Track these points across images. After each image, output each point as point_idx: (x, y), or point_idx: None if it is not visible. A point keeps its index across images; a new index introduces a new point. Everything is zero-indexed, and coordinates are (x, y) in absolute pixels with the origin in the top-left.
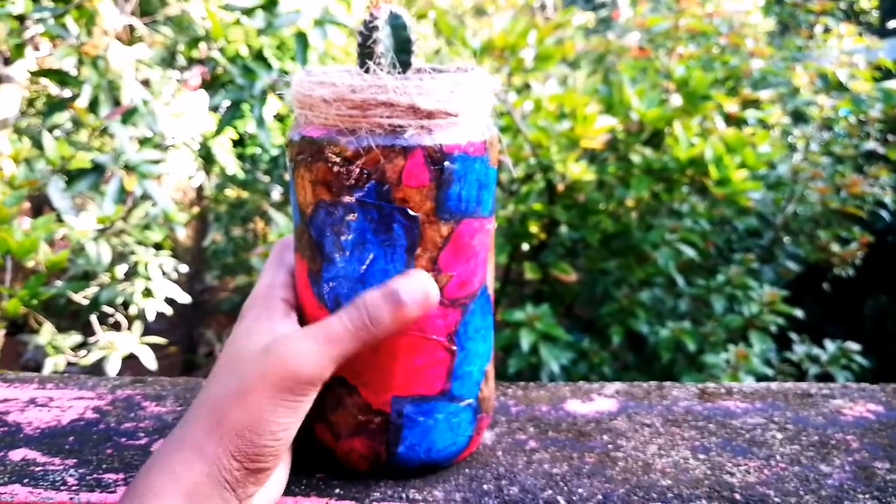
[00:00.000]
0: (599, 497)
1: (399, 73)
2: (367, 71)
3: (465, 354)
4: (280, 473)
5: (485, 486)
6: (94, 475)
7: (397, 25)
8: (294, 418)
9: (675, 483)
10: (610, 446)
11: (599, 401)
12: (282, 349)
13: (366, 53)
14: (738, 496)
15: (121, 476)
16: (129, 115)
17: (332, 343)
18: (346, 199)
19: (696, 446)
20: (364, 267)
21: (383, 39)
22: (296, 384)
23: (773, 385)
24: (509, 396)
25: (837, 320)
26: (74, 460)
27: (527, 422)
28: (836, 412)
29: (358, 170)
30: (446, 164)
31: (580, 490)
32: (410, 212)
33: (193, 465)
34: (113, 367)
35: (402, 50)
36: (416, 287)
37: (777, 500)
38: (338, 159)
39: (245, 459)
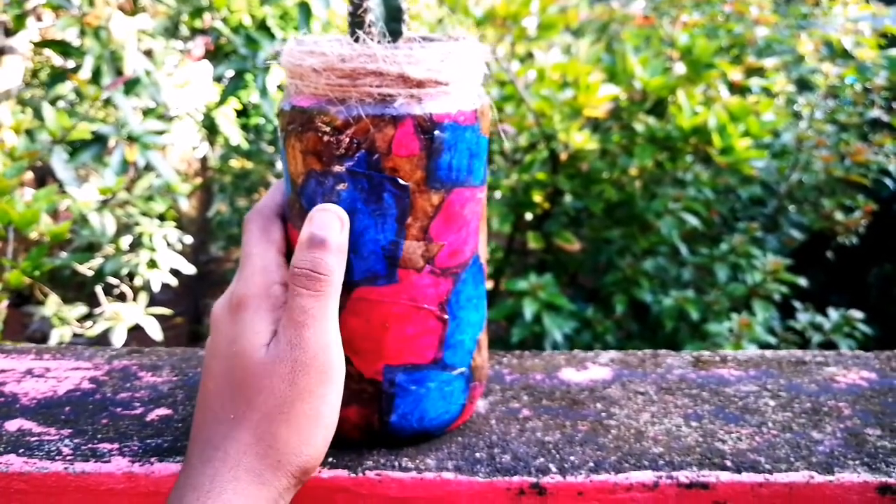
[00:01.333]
0: (591, 464)
1: (389, 42)
2: (357, 40)
3: (456, 323)
4: None
5: (477, 455)
6: (89, 445)
7: None
8: (336, 409)
9: (666, 450)
10: (603, 414)
11: (594, 369)
12: (309, 359)
13: (356, 23)
14: (728, 462)
15: (115, 446)
16: (131, 86)
17: (315, 319)
18: (337, 168)
19: (688, 414)
20: (354, 237)
21: (373, 8)
22: (320, 374)
23: (768, 353)
24: (504, 365)
25: (842, 289)
26: (70, 430)
27: (521, 390)
28: (830, 379)
29: (348, 139)
30: (436, 133)
31: (572, 458)
32: (401, 181)
33: (257, 498)
34: (118, 338)
35: (393, 18)
36: (324, 221)
37: (768, 466)
38: (328, 129)
39: (302, 474)
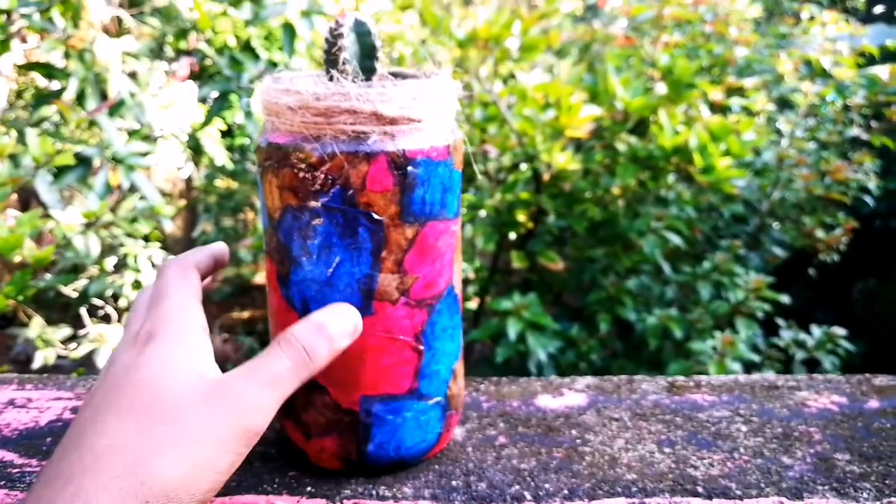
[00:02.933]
0: (565, 492)
1: (364, 79)
2: (331, 78)
3: (432, 354)
4: None
5: (453, 483)
6: None
7: (362, 32)
8: (235, 464)
9: (639, 477)
10: (578, 441)
11: (570, 395)
12: (230, 399)
13: (331, 60)
14: (700, 489)
15: None
16: (116, 108)
17: (277, 386)
18: (312, 203)
19: (661, 440)
20: (331, 270)
21: (348, 46)
22: (247, 435)
23: (741, 377)
24: (481, 392)
25: (826, 305)
26: None
27: (497, 417)
28: (801, 404)
29: (323, 175)
30: (409, 168)
31: (546, 485)
32: (375, 216)
33: None
34: (103, 360)
35: (367, 56)
36: (344, 320)
37: (738, 492)
38: (303, 165)
39: None
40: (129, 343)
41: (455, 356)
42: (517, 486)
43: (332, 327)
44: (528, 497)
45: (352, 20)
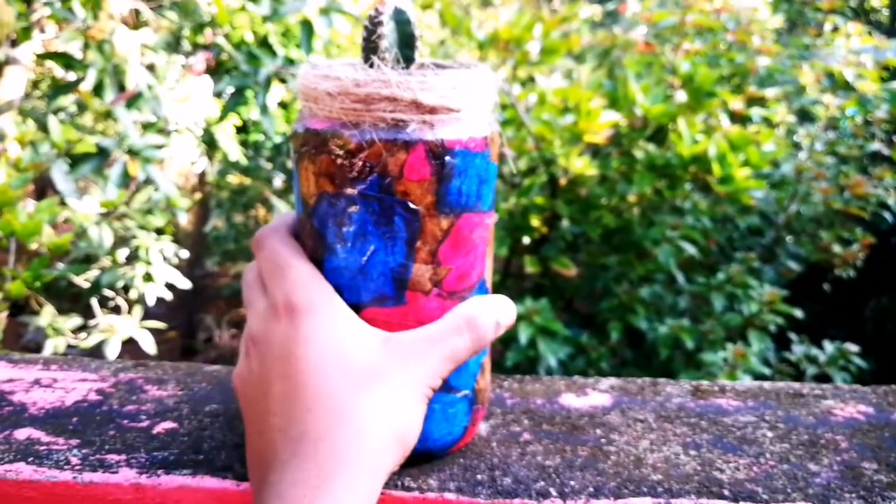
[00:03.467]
0: (591, 489)
1: (403, 68)
2: (371, 66)
3: None
4: None
5: (478, 476)
6: (97, 455)
7: (401, 21)
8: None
9: (665, 478)
10: (603, 440)
11: (594, 395)
12: (420, 364)
13: (370, 48)
14: (726, 492)
15: (122, 457)
16: (133, 100)
17: (453, 361)
18: (349, 190)
19: (687, 442)
20: (365, 258)
21: (388, 34)
22: (428, 398)
23: (766, 384)
24: (505, 389)
25: (839, 321)
26: (78, 440)
27: (521, 414)
28: (827, 412)
29: (361, 163)
30: (447, 158)
31: (572, 482)
32: (411, 205)
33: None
34: (112, 351)
35: (406, 45)
36: (511, 314)
37: (765, 496)
38: (341, 152)
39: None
40: (271, 317)
41: (483, 351)
42: (542, 483)
43: (504, 318)
44: (554, 493)
45: (392, 8)
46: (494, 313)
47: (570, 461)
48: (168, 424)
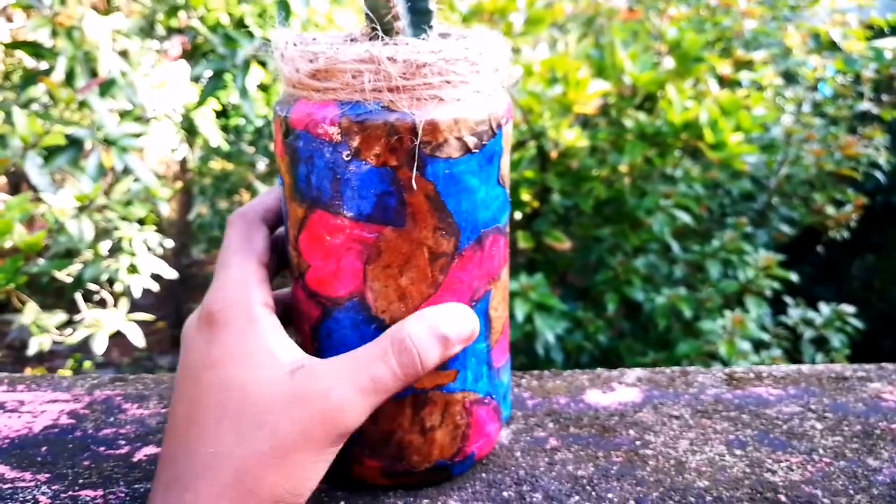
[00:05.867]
0: (632, 502)
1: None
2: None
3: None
4: None
5: (504, 494)
6: (70, 492)
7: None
8: (329, 463)
9: (712, 484)
10: (638, 443)
11: (621, 390)
12: (325, 402)
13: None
14: (782, 497)
15: (99, 493)
16: (107, 88)
17: (376, 393)
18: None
19: (731, 440)
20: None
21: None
22: (340, 438)
23: (805, 368)
24: (523, 388)
25: (826, 281)
26: (48, 474)
27: (545, 416)
28: (876, 397)
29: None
30: (289, 139)
31: (609, 495)
32: (279, 181)
33: None
34: (100, 345)
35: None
36: (462, 323)
37: (826, 500)
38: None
39: None
40: (196, 320)
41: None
42: (576, 497)
43: (455, 330)
44: None
45: None
46: (435, 327)
47: (604, 469)
48: (150, 450)
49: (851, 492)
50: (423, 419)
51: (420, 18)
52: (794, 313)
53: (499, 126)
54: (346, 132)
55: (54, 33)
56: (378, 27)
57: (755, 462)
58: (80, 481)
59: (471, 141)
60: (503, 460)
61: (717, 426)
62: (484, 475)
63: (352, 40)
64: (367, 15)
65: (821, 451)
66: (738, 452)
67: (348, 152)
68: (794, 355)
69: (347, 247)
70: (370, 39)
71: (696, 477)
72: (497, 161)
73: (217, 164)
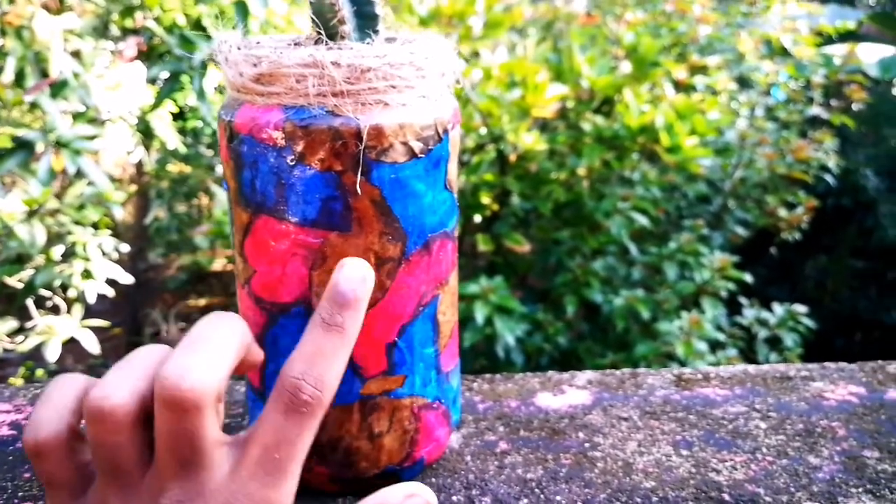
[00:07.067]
0: None
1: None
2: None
3: (275, 366)
4: None
5: (454, 498)
6: None
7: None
8: None
9: (659, 484)
10: (587, 445)
11: (571, 393)
12: None
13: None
14: (726, 496)
15: None
16: (58, 89)
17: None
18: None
19: (677, 441)
20: None
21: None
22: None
23: (751, 368)
24: (475, 391)
25: (780, 282)
26: None
27: (496, 420)
28: (819, 396)
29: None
30: (233, 143)
31: (558, 497)
32: (224, 185)
33: None
34: (52, 353)
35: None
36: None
37: (768, 499)
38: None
39: None
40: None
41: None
42: (525, 500)
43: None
44: None
45: None
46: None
47: (553, 472)
48: None
49: (792, 489)
50: (370, 425)
51: (366, 23)
52: (749, 314)
53: (445, 131)
54: (290, 137)
55: (3, 32)
56: (323, 31)
57: (700, 462)
58: (21, 494)
59: (416, 146)
60: (453, 465)
61: (665, 427)
62: (434, 480)
63: (296, 44)
64: (312, 19)
65: (764, 450)
66: (684, 453)
67: (292, 157)
68: (749, 355)
69: (293, 252)
70: (315, 43)
71: (643, 478)
72: (444, 166)
73: (174, 167)
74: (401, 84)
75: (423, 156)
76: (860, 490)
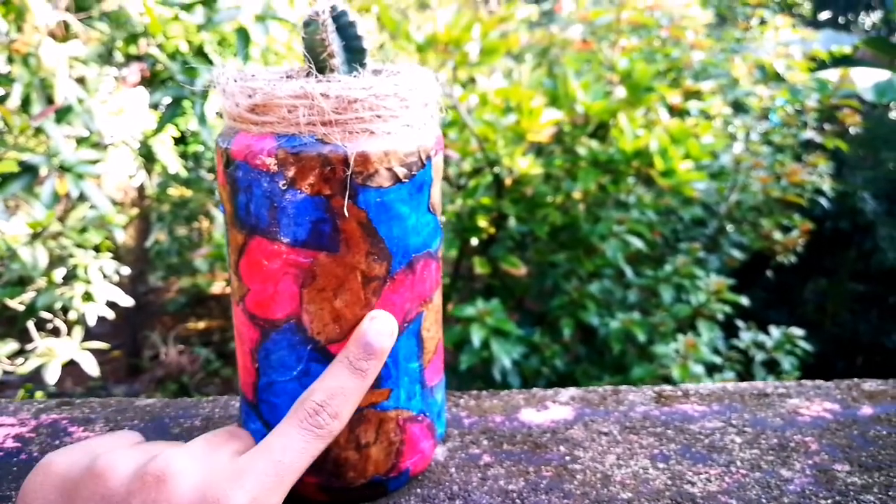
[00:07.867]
0: None
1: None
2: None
3: (267, 380)
4: None
5: None
6: None
7: (343, 24)
8: None
9: (635, 495)
10: (567, 458)
11: (554, 408)
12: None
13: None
14: None
15: None
16: (63, 114)
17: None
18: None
19: (655, 454)
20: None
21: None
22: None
23: (730, 385)
24: (461, 407)
25: (779, 305)
26: None
27: (480, 434)
28: (794, 412)
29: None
30: (229, 169)
31: None
32: (221, 209)
33: None
34: (52, 375)
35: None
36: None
37: None
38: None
39: None
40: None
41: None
42: None
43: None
44: None
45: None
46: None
47: (534, 483)
48: None
49: (764, 500)
50: (358, 436)
51: (354, 56)
52: (746, 336)
53: (428, 157)
54: (282, 163)
55: (10, 60)
56: (313, 65)
57: (676, 475)
58: None
59: (401, 171)
60: (438, 476)
61: (643, 441)
62: (419, 490)
63: (288, 77)
64: (304, 54)
65: (738, 463)
66: (661, 466)
67: (284, 182)
68: (746, 378)
69: (284, 271)
70: (306, 76)
71: (620, 489)
72: (427, 190)
73: (175, 191)
74: (386, 114)
75: (406, 181)
76: (829, 501)
